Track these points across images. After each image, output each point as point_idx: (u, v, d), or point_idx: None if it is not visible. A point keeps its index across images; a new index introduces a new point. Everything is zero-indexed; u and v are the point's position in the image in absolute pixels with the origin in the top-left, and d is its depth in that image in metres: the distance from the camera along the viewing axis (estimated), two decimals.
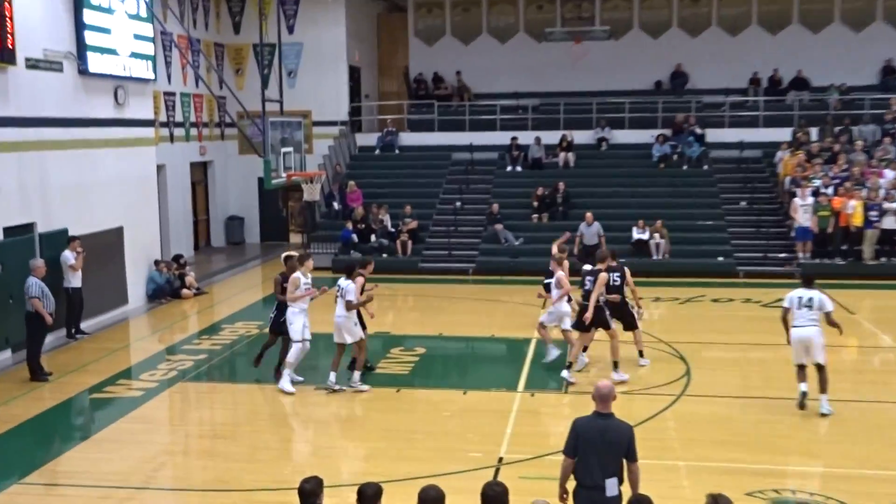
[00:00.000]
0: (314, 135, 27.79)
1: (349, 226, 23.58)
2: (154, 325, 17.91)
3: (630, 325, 13.28)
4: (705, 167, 25.47)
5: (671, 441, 10.59)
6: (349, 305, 12.36)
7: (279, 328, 12.92)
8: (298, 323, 12.47)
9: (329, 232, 24.25)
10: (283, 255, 13.06)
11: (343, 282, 12.52)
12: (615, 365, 12.87)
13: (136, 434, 11.15)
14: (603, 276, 12.80)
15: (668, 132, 26.44)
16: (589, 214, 20.68)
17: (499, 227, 23.25)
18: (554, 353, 13.70)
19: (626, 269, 13.24)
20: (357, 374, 12.58)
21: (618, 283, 13.04)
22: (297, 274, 12.50)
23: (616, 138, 26.96)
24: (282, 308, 12.81)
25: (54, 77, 16.27)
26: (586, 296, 12.85)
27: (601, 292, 12.84)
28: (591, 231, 20.50)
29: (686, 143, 25.85)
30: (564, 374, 12.80)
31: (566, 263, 13.74)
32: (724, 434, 10.81)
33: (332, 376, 12.60)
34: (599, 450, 6.50)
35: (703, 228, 23.24)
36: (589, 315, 12.51)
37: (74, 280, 15.98)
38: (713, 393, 12.41)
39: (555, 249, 15.16)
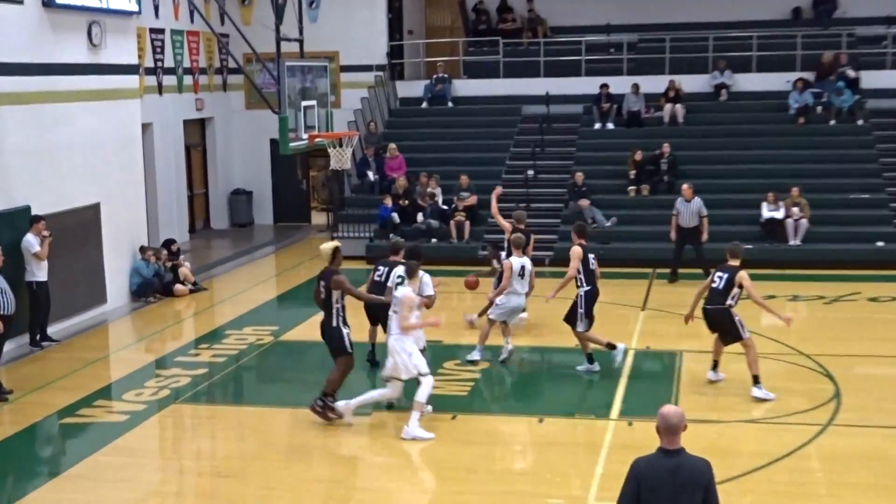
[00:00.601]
0: (343, 83, 27.96)
1: (388, 202, 23.70)
2: (140, 331, 18.20)
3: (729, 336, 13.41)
4: (860, 122, 25.07)
5: (814, 485, 10.48)
6: (408, 325, 12.08)
7: (342, 347, 12.40)
8: (417, 352, 12.17)
9: (362, 210, 24.41)
10: (328, 246, 12.50)
11: (400, 289, 12.30)
12: (755, 379, 12.99)
13: (118, 470, 11.33)
14: (743, 274, 12.91)
15: (809, 76, 26.07)
16: (687, 187, 20.43)
17: (584, 203, 23.16)
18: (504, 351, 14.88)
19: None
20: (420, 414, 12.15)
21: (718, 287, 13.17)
22: (408, 291, 12.06)
23: (739, 84, 26.69)
24: (332, 321, 12.39)
25: (11, 11, 16.58)
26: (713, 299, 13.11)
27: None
28: (689, 209, 20.25)
29: (834, 91, 25.45)
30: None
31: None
32: (885, 477, 10.66)
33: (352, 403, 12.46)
34: (670, 496, 6.40)
35: (856, 204, 22.88)
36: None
37: (39, 272, 16.33)
38: (870, 422, 12.25)
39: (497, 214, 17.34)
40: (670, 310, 17.93)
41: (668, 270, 20.64)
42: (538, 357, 15.57)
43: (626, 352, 14.68)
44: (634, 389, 13.76)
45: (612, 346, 14.39)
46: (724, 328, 13.28)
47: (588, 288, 14.29)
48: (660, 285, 20.28)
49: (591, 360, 14.43)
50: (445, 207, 23.52)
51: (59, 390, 14.24)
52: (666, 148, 24.02)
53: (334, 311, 12.35)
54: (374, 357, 14.66)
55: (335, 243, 12.70)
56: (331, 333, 12.47)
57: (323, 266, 12.58)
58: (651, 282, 20.72)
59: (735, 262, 13.28)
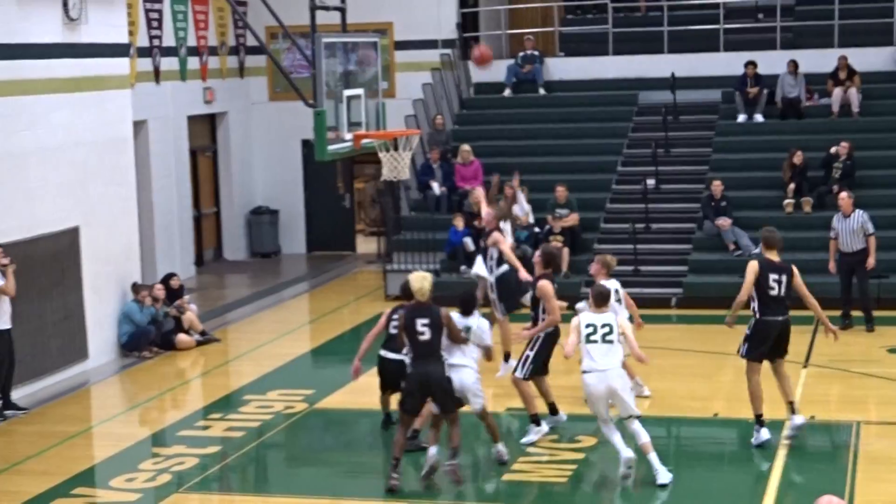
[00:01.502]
0: (399, 65, 28.18)
1: (459, 223, 23.74)
2: (132, 396, 18.40)
3: None
4: None
5: None
6: (489, 353, 14.20)
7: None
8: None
9: (425, 234, 24.48)
10: (427, 282, 13.33)
11: (473, 319, 14.15)
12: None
13: None
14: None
15: None
16: (846, 197, 20.17)
17: (724, 222, 23.04)
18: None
19: None
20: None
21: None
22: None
23: None
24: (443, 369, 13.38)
25: None
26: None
27: None
28: (849, 227, 20.04)
29: None
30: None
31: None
32: None
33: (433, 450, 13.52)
34: None
35: None
36: None
37: (1, 317, 16.62)
38: None
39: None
40: (843, 367, 17.76)
41: (837, 313, 20.43)
42: (664, 430, 15.48)
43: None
44: (795, 473, 13.64)
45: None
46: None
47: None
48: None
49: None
50: (537, 229, 23.55)
51: (27, 475, 14.41)
52: (844, 147, 23.71)
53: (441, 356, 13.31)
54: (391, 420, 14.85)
55: (429, 277, 13.46)
56: (443, 385, 13.21)
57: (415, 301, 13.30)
58: (816, 328, 20.49)
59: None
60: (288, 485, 14.29)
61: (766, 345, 14.35)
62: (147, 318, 20.11)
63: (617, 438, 13.34)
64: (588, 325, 13.20)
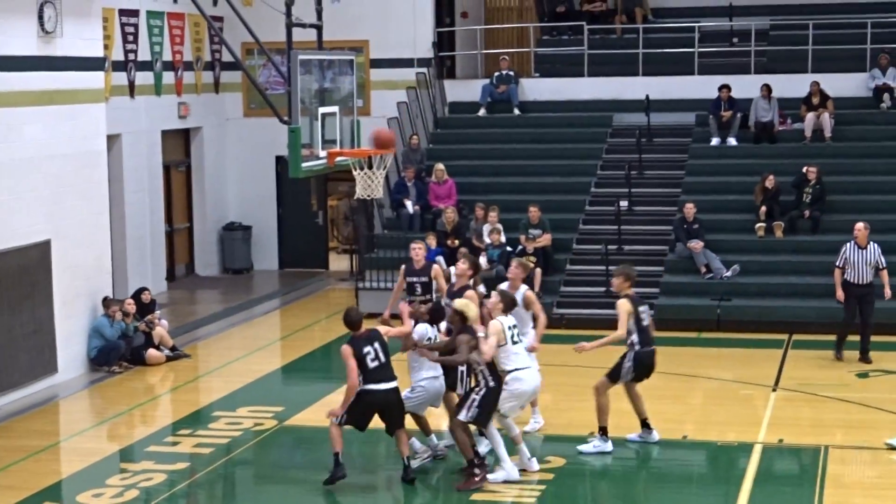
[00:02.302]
0: (374, 83, 28.23)
1: (432, 242, 23.77)
2: (100, 411, 18.34)
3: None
4: None
5: None
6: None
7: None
8: None
9: (397, 253, 24.40)
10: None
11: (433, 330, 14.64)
12: None
13: None
14: None
15: None
16: (863, 228, 20.04)
17: (696, 245, 23.12)
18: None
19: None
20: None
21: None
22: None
23: None
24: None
25: None
26: None
27: None
28: (864, 259, 19.86)
29: None
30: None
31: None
32: None
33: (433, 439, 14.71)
34: None
35: None
36: None
37: None
38: None
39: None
40: (812, 391, 17.83)
41: (807, 337, 20.53)
42: (633, 453, 15.50)
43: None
44: (762, 497, 13.64)
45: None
46: None
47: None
48: (798, 357, 20.16)
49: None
50: (509, 249, 23.58)
51: None
52: (812, 172, 23.87)
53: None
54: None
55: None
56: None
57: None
58: (786, 352, 20.59)
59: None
60: (257, 502, 14.27)
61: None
62: (117, 332, 20.07)
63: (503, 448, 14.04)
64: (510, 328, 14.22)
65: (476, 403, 13.99)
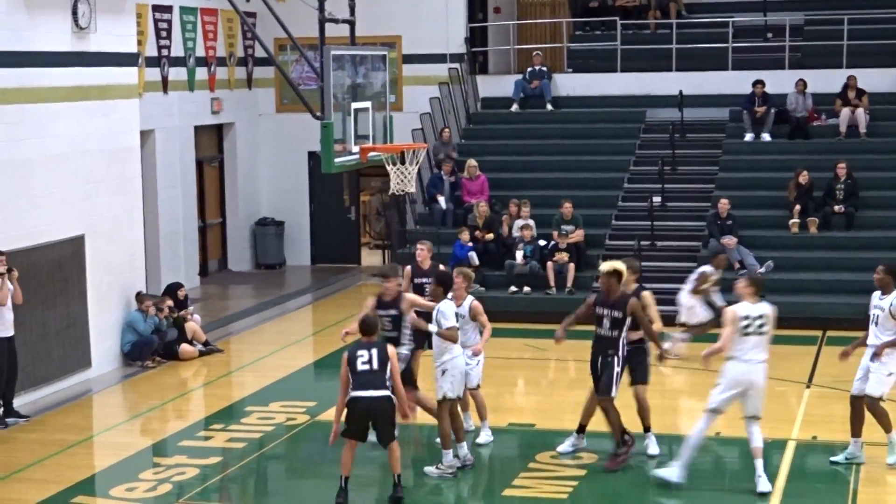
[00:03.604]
0: (407, 79, 28.24)
1: (464, 237, 23.80)
2: (134, 405, 18.45)
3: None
4: None
5: None
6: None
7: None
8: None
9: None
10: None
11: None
12: None
13: None
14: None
15: None
16: None
17: (730, 241, 23.06)
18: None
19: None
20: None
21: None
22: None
23: None
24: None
25: None
26: None
27: None
28: None
29: None
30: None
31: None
32: None
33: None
34: None
35: None
36: None
37: (2, 325, 16.63)
38: None
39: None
40: (846, 387, 17.73)
41: (841, 333, 20.40)
42: (665, 448, 15.47)
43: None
44: (796, 494, 13.65)
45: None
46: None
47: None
48: (832, 354, 20.02)
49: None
50: (542, 244, 23.59)
51: (27, 482, 14.47)
52: (842, 168, 23.84)
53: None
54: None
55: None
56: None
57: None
58: (820, 348, 20.51)
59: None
60: (288, 497, 14.34)
61: None
62: (150, 327, 20.15)
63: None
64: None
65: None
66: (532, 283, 23.31)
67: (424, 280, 16.29)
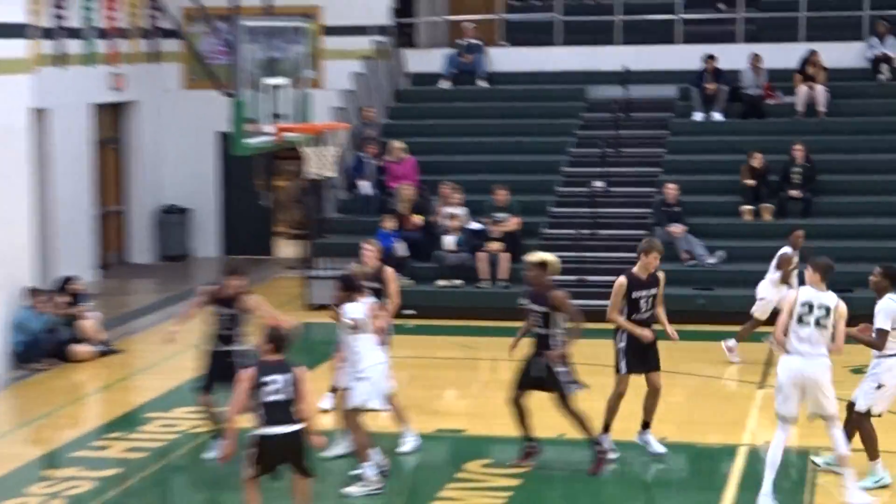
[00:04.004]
0: (327, 53, 28.11)
1: (389, 225, 23.69)
2: (22, 412, 18.21)
3: None
4: None
5: None
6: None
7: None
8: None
9: (351, 238, 24.38)
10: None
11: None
12: None
13: None
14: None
15: None
16: None
17: (678, 229, 23.14)
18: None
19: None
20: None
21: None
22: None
23: None
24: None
25: None
26: None
27: None
28: None
29: None
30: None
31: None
32: None
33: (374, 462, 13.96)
34: None
35: None
36: None
37: None
38: None
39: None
40: None
41: None
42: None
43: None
44: None
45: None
46: None
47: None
48: None
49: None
50: (474, 229, 23.56)
51: None
52: (799, 150, 23.97)
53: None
54: None
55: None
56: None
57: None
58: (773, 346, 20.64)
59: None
60: None
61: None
62: (42, 325, 19.92)
63: None
64: None
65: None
66: (463, 275, 23.28)
67: (370, 284, 15.51)
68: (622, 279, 14.95)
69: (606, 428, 14.87)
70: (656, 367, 15.04)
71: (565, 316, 14.46)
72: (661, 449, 15.02)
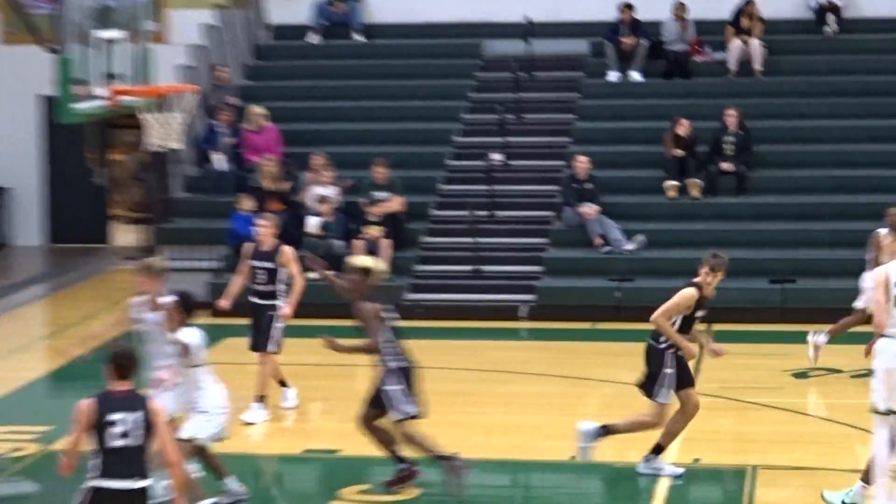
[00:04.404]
0: (173, 1, 28.00)
1: (246, 206, 23.63)
2: None
3: None
4: None
5: None
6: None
7: None
8: None
9: (203, 222, 24.42)
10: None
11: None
12: None
13: None
14: None
15: None
16: None
17: (590, 209, 23.30)
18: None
19: None
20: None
21: None
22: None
23: (859, 7, 27.16)
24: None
25: None
26: None
27: None
28: None
29: None
30: None
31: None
32: None
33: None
34: None
35: None
36: None
37: None
38: None
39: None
40: (736, 395, 18.08)
41: (730, 327, 20.74)
42: (511, 478, 15.63)
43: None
44: None
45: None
46: None
47: None
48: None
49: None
50: (346, 215, 23.57)
51: None
52: (732, 116, 24.21)
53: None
54: None
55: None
56: None
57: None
58: (704, 346, 20.84)
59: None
60: None
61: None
62: None
63: None
64: None
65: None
66: (335, 265, 23.27)
67: (263, 263, 16.67)
68: (693, 292, 15.16)
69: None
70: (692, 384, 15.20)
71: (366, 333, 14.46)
72: (677, 471, 15.06)
